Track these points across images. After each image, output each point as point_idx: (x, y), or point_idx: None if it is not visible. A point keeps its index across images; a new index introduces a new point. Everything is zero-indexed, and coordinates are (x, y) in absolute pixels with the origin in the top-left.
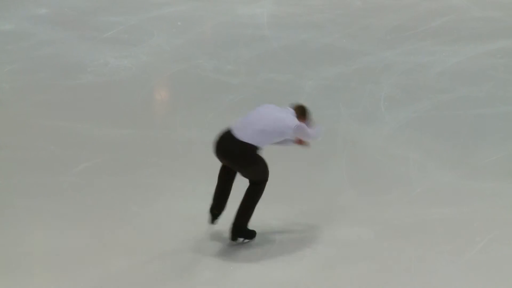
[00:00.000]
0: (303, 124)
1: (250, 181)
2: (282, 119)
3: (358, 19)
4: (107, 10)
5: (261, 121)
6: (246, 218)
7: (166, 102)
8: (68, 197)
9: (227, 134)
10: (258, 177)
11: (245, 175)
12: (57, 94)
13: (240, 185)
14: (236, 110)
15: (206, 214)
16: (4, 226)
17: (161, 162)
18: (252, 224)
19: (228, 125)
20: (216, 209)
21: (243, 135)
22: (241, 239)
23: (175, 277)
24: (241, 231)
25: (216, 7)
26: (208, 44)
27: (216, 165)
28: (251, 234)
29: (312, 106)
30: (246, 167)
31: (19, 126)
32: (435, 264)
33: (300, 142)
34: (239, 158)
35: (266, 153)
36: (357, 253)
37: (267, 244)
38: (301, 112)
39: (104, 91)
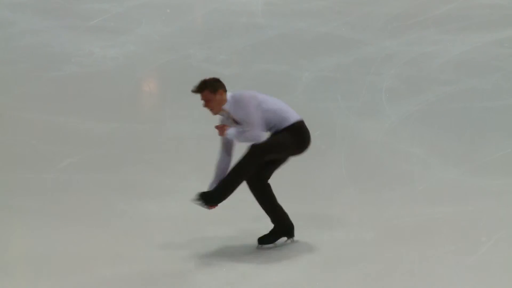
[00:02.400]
0: None
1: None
2: None
3: (358, 7)
4: None
5: None
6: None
7: (154, 94)
8: (51, 195)
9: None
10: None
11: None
12: (39, 86)
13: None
14: None
15: (197, 213)
16: None
17: (149, 158)
18: (247, 225)
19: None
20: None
21: None
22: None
23: (165, 279)
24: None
25: None
26: (199, 33)
27: (208, 160)
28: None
29: (309, 99)
30: None
31: None
32: (439, 266)
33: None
34: None
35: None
36: (356, 253)
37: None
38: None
39: (89, 83)
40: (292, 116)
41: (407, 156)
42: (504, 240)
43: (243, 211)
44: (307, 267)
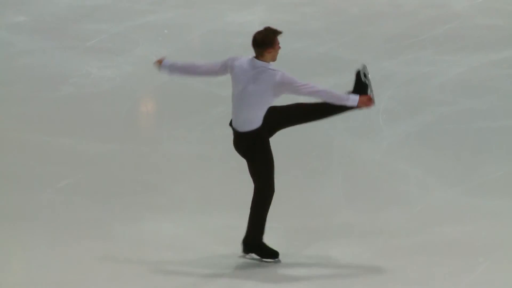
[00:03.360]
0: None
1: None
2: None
3: (355, 27)
4: (90, 18)
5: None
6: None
7: (151, 115)
8: (48, 216)
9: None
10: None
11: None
12: (36, 106)
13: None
14: (226, 123)
15: (193, 233)
16: None
17: (146, 178)
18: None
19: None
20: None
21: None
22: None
23: None
24: (256, 247)
25: (204, 14)
26: (196, 53)
27: (205, 181)
28: (271, 254)
29: None
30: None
31: None
32: (437, 286)
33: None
34: (249, 151)
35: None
36: (353, 274)
37: (259, 264)
38: (265, 41)
39: (86, 103)
40: None
41: (405, 176)
42: (501, 260)
43: (242, 229)
44: (306, 285)
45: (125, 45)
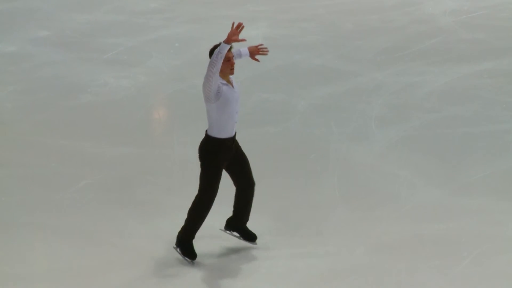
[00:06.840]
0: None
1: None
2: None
3: (350, 41)
4: (107, 32)
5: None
6: (186, 232)
7: (163, 121)
8: (69, 213)
9: None
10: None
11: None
12: (58, 113)
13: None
14: None
15: (202, 230)
16: (6, 241)
17: (158, 179)
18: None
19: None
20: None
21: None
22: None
23: None
24: (182, 243)
25: (211, 29)
26: (204, 65)
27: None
28: (190, 255)
29: (305, 125)
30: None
31: (21, 144)
32: (424, 278)
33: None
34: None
35: (262, 164)
36: (349, 267)
37: (259, 259)
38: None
39: (104, 111)
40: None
41: (395, 177)
42: (484, 254)
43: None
44: (304, 279)
45: (139, 57)
